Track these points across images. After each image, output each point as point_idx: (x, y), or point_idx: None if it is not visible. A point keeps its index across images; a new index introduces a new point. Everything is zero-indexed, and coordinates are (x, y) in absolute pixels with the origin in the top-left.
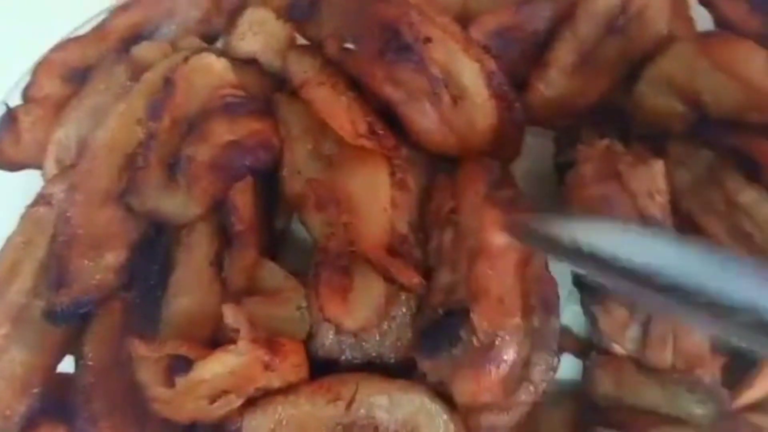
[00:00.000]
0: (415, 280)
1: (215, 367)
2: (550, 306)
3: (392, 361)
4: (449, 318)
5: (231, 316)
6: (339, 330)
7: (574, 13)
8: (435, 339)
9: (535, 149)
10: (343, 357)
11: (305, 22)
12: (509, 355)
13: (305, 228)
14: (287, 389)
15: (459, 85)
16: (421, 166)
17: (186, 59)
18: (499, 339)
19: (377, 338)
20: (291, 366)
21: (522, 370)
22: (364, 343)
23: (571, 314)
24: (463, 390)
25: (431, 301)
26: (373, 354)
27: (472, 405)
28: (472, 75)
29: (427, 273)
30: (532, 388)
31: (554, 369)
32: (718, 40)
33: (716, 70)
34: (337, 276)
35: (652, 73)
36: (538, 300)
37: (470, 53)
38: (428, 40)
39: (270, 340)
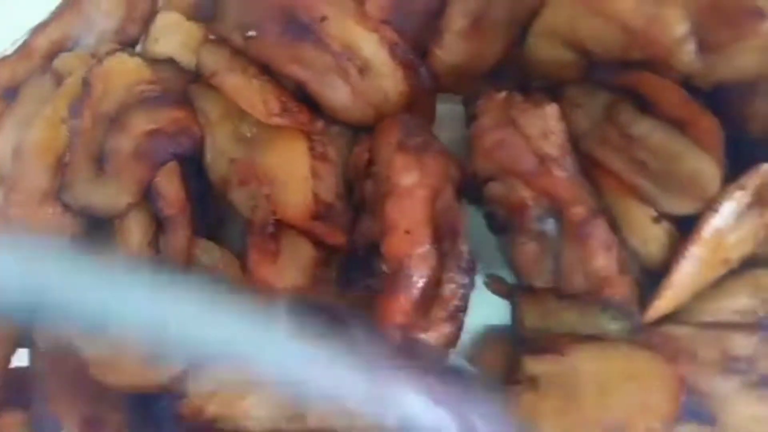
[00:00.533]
0: (340, 239)
1: None
2: (457, 232)
3: None
4: (366, 253)
5: None
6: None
7: None
8: (353, 272)
9: (451, 116)
10: None
11: (212, 20)
12: (417, 279)
13: (233, 207)
14: None
15: (362, 57)
16: (345, 138)
17: (100, 60)
18: (407, 266)
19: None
20: None
21: (435, 289)
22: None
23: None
24: (380, 314)
25: (354, 246)
26: None
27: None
28: (372, 46)
29: None
30: (444, 304)
31: (465, 286)
32: None
33: (592, 15)
34: (264, 242)
35: (538, 27)
36: (447, 228)
37: (366, 26)
38: (324, 18)
39: None
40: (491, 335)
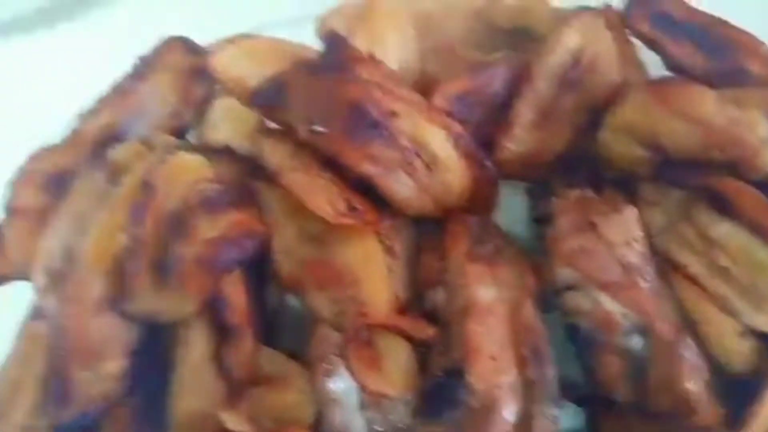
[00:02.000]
0: (429, 331)
1: None
2: (543, 355)
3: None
4: (448, 379)
5: (231, 422)
6: (371, 403)
7: (530, 72)
8: (436, 403)
9: (509, 201)
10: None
11: (274, 110)
12: (509, 415)
13: (309, 309)
14: None
15: (429, 152)
16: (404, 230)
17: (163, 161)
18: (497, 399)
19: (401, 409)
20: None
21: (523, 425)
22: (390, 416)
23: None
24: None
25: (430, 363)
26: (401, 426)
27: None
28: (440, 141)
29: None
30: None
31: (556, 420)
32: (669, 87)
33: (671, 115)
34: (363, 350)
35: (611, 122)
36: (530, 350)
37: (435, 121)
38: (393, 114)
39: None
40: None
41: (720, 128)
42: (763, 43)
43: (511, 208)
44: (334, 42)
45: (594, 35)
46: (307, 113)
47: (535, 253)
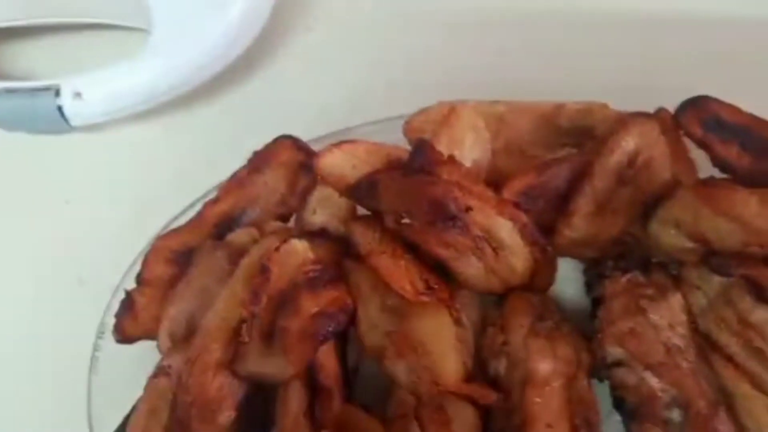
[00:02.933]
0: (492, 397)
1: None
2: (593, 426)
3: None
4: None
5: None
6: None
7: (590, 170)
8: None
9: (568, 277)
10: None
11: (367, 203)
12: None
13: (389, 375)
14: None
15: (498, 239)
16: (471, 304)
17: (277, 248)
18: None
19: None
20: None
21: None
22: None
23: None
24: None
25: (493, 426)
26: None
27: None
28: (507, 231)
29: None
30: None
31: None
32: (715, 190)
33: (716, 214)
34: (435, 414)
35: (661, 216)
36: (582, 420)
37: (504, 213)
38: (469, 208)
39: None
40: None
41: (760, 228)
42: None
43: (570, 284)
44: (421, 147)
45: (649, 139)
46: (395, 207)
47: (587, 328)
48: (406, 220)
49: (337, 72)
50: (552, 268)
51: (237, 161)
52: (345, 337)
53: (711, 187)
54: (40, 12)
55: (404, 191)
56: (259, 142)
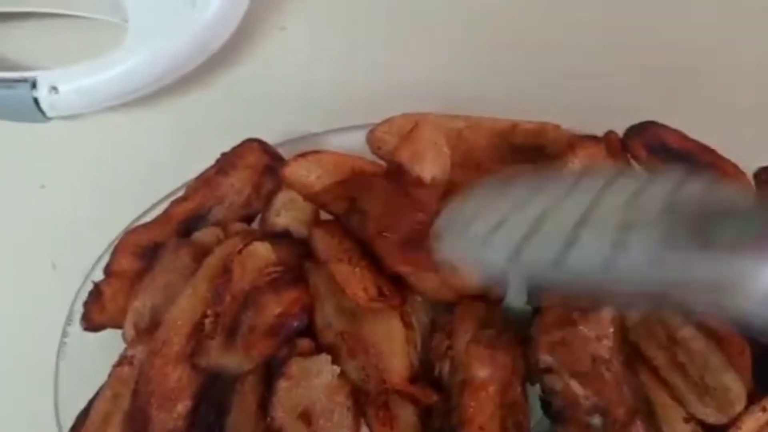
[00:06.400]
0: (434, 397)
1: None
2: (523, 428)
3: None
4: None
5: None
6: None
7: None
8: None
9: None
10: None
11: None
12: None
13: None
14: None
15: None
16: (422, 308)
17: (240, 250)
18: None
19: None
20: None
21: None
22: None
23: None
24: None
25: (432, 425)
26: None
27: None
28: None
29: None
30: None
31: None
32: None
33: None
34: (381, 411)
35: None
36: (513, 423)
37: None
38: (440, 236)
39: None
40: None
41: None
42: (743, 173)
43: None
44: (397, 170)
45: (595, 162)
46: (381, 216)
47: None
48: (387, 234)
49: (309, 72)
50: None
51: (208, 158)
52: None
53: None
54: (18, 1)
55: (393, 206)
56: (230, 140)
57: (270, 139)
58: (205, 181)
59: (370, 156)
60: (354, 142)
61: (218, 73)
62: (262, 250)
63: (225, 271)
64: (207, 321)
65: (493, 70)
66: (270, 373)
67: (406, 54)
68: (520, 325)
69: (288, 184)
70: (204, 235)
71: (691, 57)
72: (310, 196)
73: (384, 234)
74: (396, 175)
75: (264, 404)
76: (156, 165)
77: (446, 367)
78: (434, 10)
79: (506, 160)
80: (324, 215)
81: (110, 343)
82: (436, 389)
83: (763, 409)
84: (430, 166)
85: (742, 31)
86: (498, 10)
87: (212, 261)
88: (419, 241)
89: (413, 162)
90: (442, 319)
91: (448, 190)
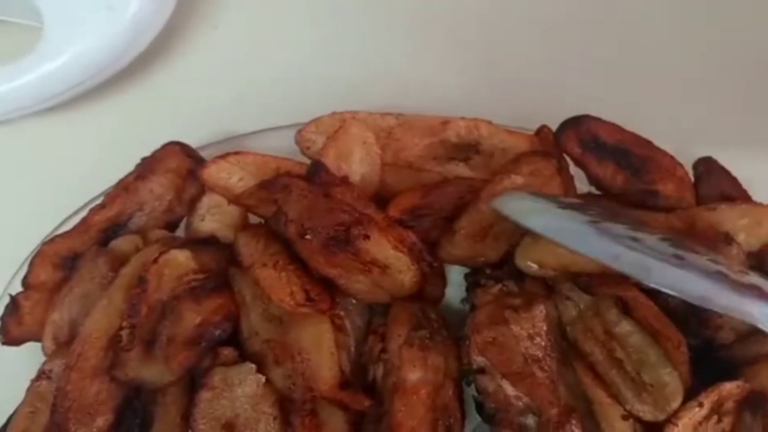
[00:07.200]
0: (366, 403)
1: None
2: (454, 431)
3: None
4: None
5: None
6: None
7: (477, 195)
8: None
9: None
10: None
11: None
12: None
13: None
14: None
15: (385, 264)
16: (356, 311)
17: (156, 259)
18: None
19: None
20: None
21: None
22: None
23: None
24: None
25: (364, 430)
26: None
27: None
28: (396, 260)
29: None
30: None
31: None
32: None
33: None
34: (307, 419)
35: (522, 255)
36: (445, 426)
37: (393, 236)
38: (366, 237)
39: None
40: None
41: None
42: (680, 165)
43: (457, 289)
44: (316, 167)
45: (541, 180)
46: (302, 219)
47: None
48: (308, 236)
49: (241, 72)
50: (441, 281)
51: (134, 165)
52: None
53: None
54: None
55: (313, 207)
56: (157, 145)
57: (198, 142)
58: (123, 187)
59: (303, 158)
60: (284, 143)
61: (146, 74)
62: (181, 257)
63: (140, 282)
64: (124, 333)
65: (428, 65)
66: (194, 384)
67: (340, 52)
68: (457, 324)
69: (209, 188)
70: (122, 243)
71: (627, 47)
72: (233, 199)
73: (305, 237)
74: (316, 175)
75: (188, 416)
76: (78, 173)
77: (380, 370)
78: (368, 6)
79: (440, 158)
80: (255, 219)
81: (32, 358)
82: (369, 395)
83: (700, 405)
84: (358, 166)
85: (685, 18)
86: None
87: (128, 270)
88: (344, 242)
89: (340, 161)
90: (376, 322)
91: (380, 190)
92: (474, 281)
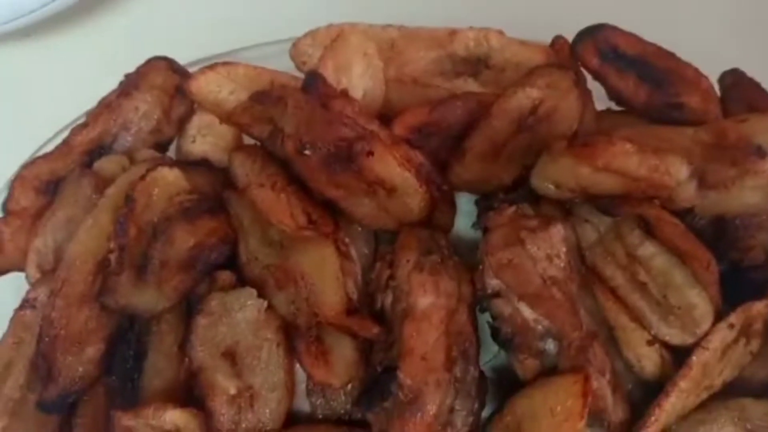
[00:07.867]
0: (374, 330)
1: None
2: (470, 357)
3: (359, 416)
4: (384, 374)
5: None
6: (317, 391)
7: (488, 110)
8: (372, 394)
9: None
10: (318, 414)
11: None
12: (431, 407)
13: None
14: None
15: (392, 185)
16: (362, 237)
17: (143, 176)
18: (422, 394)
19: (343, 397)
20: None
21: (447, 416)
22: (332, 402)
23: None
24: None
25: (373, 359)
26: (341, 411)
27: None
28: (402, 179)
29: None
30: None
31: (475, 413)
32: (593, 148)
33: (596, 172)
34: (313, 345)
35: (537, 174)
36: (459, 352)
37: (400, 154)
38: (370, 153)
39: None
40: None
41: (641, 177)
42: (705, 77)
43: (467, 217)
44: (312, 79)
45: (557, 93)
46: (300, 133)
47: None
48: (307, 152)
49: None
50: (451, 207)
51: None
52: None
53: (587, 146)
54: None
55: (312, 120)
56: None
57: (188, 58)
58: (106, 105)
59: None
60: (279, 60)
61: None
62: (170, 175)
63: (127, 201)
64: (112, 256)
65: None
66: (190, 311)
67: None
68: (468, 255)
69: (198, 103)
70: (107, 163)
71: None
72: (225, 116)
73: (304, 153)
74: (312, 86)
75: (185, 345)
76: (58, 96)
77: (388, 298)
78: None
79: (447, 73)
80: (249, 141)
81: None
82: (378, 323)
83: (731, 326)
84: (359, 78)
85: None
86: None
87: (114, 190)
88: (346, 158)
89: (339, 73)
90: (386, 249)
91: (383, 108)
92: (486, 205)
